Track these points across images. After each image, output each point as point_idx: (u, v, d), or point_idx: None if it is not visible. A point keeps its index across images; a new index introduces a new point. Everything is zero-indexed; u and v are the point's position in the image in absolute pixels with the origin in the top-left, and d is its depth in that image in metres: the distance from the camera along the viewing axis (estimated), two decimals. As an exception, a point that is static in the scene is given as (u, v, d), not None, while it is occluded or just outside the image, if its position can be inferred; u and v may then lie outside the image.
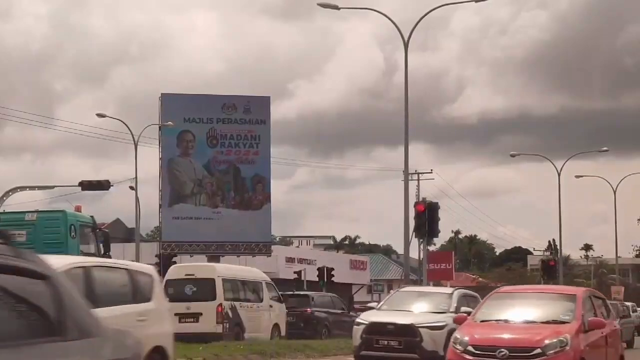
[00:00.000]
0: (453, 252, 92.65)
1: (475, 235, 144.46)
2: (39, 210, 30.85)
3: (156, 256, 54.06)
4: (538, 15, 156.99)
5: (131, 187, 55.22)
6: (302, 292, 43.58)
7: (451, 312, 22.23)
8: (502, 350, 15.36)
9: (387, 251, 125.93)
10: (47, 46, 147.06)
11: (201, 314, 31.04)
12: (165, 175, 56.95)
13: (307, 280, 56.63)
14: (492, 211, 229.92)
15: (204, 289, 31.30)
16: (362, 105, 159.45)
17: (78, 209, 30.84)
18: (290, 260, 70.97)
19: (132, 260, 54.09)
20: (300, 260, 71.21)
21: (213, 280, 31.42)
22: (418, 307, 23.11)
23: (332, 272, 56.86)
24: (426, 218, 38.45)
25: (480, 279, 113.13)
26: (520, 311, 16.82)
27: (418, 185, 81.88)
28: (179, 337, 29.31)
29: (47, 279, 5.70)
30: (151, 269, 16.57)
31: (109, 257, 30.55)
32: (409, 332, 21.87)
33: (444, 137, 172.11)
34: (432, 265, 68.21)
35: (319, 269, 57.70)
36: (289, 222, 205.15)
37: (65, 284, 5.92)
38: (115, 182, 54.63)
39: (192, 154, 57.76)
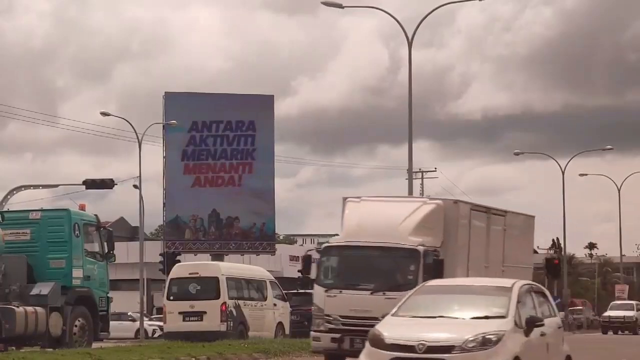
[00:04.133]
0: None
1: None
2: (43, 209, 30.75)
3: (160, 255, 54.05)
4: (542, 12, 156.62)
5: (135, 186, 55.17)
6: (306, 291, 43.48)
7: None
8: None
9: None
10: (49, 43, 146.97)
11: (205, 312, 31.03)
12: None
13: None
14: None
15: (208, 287, 31.28)
16: (366, 102, 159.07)
17: (82, 207, 30.72)
18: (294, 258, 70.87)
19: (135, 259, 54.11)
20: (305, 259, 71.09)
21: (217, 278, 31.40)
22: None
23: (336, 271, 56.76)
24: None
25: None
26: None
27: (422, 184, 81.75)
28: (184, 336, 29.41)
29: None
30: None
31: (113, 256, 30.48)
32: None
33: (447, 134, 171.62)
34: (436, 263, 67.97)
35: (323, 267, 57.57)
36: (292, 221, 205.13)
37: None
38: (119, 180, 54.67)
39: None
